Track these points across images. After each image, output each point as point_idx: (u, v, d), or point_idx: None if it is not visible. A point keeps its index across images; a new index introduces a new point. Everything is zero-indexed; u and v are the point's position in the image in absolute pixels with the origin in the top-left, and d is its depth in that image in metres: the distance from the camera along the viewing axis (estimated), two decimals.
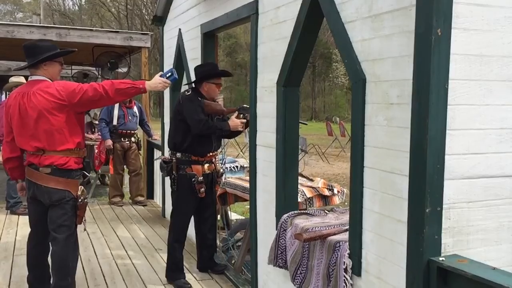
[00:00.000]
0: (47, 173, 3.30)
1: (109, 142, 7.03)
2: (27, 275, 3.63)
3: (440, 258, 2.01)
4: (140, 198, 7.35)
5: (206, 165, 4.10)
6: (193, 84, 4.20)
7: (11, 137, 3.43)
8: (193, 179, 4.00)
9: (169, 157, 4.14)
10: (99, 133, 7.70)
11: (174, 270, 4.16)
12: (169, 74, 3.51)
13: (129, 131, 7.17)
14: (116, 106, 6.95)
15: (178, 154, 4.04)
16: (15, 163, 3.52)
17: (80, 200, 3.41)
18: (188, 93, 4.07)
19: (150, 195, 7.65)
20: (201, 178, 4.04)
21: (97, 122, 8.19)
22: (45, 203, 3.36)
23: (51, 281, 3.47)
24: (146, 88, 3.39)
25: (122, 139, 7.14)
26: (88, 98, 3.27)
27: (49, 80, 3.37)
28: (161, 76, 3.52)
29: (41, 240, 3.50)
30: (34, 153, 3.32)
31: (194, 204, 4.14)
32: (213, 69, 4.14)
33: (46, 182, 3.31)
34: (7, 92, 8.85)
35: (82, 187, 3.48)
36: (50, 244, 3.45)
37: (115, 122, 7.06)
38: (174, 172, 4.04)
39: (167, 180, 4.48)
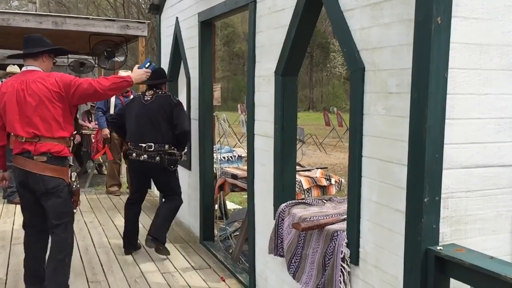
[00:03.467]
0: (42, 161, 3.33)
1: (106, 131, 7.01)
2: (23, 259, 3.62)
3: (438, 247, 2.02)
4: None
5: None
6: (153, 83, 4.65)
7: (0, 124, 3.48)
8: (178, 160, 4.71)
9: (174, 151, 4.58)
10: (96, 122, 7.67)
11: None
12: (148, 64, 3.96)
13: None
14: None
15: (166, 146, 4.55)
16: (1, 151, 3.57)
17: (74, 186, 3.51)
18: (177, 98, 4.76)
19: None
20: None
21: (93, 111, 8.16)
22: (39, 191, 3.38)
23: (47, 263, 3.51)
24: (133, 81, 3.70)
25: None
26: (82, 90, 3.39)
27: (43, 71, 3.47)
28: (139, 68, 3.89)
29: (39, 228, 3.53)
30: (28, 140, 3.33)
31: None
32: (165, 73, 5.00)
33: (42, 171, 3.33)
34: (2, 80, 8.80)
35: (75, 174, 3.59)
36: (50, 231, 3.47)
37: (112, 111, 7.03)
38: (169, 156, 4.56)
39: None
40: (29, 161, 3.34)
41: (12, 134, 3.51)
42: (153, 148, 4.50)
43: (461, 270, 1.91)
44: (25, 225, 3.61)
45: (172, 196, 4.70)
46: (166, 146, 4.52)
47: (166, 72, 5.36)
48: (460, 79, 2.04)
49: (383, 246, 2.33)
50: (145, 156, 4.51)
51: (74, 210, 3.57)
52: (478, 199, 2.15)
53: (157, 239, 4.47)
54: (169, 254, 4.53)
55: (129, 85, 3.72)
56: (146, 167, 4.57)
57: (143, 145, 4.52)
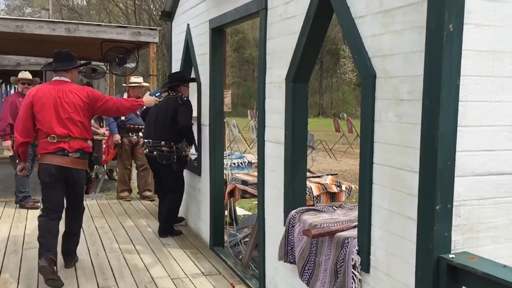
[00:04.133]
0: (76, 157, 4.11)
1: (117, 137, 7.06)
2: (40, 237, 4.06)
3: (450, 256, 2.00)
4: (148, 193, 7.37)
5: None
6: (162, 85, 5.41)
7: (30, 123, 4.10)
8: (188, 159, 5.42)
9: (168, 148, 5.17)
10: (107, 128, 7.73)
11: (172, 225, 5.40)
12: (158, 94, 5.24)
13: (137, 126, 7.19)
14: None
15: (162, 142, 5.17)
16: (26, 146, 4.23)
17: (92, 176, 4.59)
18: (185, 99, 5.23)
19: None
20: None
21: (105, 117, 8.21)
22: (69, 182, 4.15)
23: (68, 235, 4.37)
24: (144, 105, 4.80)
25: (130, 134, 7.17)
26: (107, 106, 4.30)
27: (71, 82, 4.28)
28: (150, 94, 5.02)
29: (59, 214, 4.19)
30: (61, 140, 4.05)
31: None
32: (185, 75, 5.53)
33: (76, 165, 4.13)
34: (15, 87, 8.91)
35: (96, 166, 4.77)
36: (70, 209, 4.32)
37: (123, 117, 7.09)
38: (175, 156, 5.16)
39: None
40: (65, 158, 4.07)
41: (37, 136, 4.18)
42: (151, 144, 5.24)
43: (473, 279, 1.89)
44: (46, 210, 4.16)
45: (170, 192, 5.37)
46: (162, 143, 5.17)
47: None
48: (473, 86, 2.04)
49: (395, 254, 2.32)
50: (147, 150, 5.32)
51: (89, 195, 4.82)
52: (490, 207, 2.13)
53: (163, 231, 5.34)
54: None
55: (141, 107, 4.86)
56: (151, 160, 5.35)
57: (146, 140, 5.35)
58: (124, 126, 7.13)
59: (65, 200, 4.26)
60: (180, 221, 5.81)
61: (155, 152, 5.18)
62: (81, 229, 4.54)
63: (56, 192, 4.11)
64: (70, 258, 4.42)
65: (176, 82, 5.32)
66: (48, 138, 4.02)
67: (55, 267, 4.00)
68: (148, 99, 4.82)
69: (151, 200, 7.26)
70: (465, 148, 2.05)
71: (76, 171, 4.13)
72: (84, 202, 4.55)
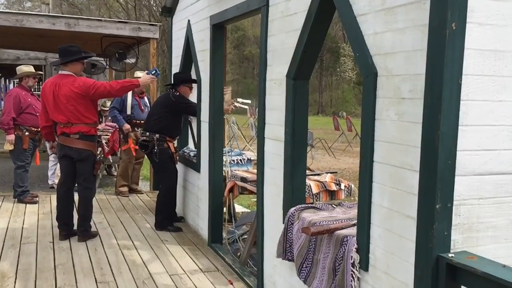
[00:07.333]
0: (76, 138, 4.80)
1: (127, 125, 7.02)
2: (57, 212, 5.07)
3: (450, 255, 2.00)
4: (135, 186, 7.55)
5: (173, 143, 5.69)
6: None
7: (46, 111, 4.92)
8: (169, 151, 5.53)
9: (147, 138, 5.45)
10: (107, 123, 7.72)
11: (166, 218, 5.49)
12: (154, 71, 5.24)
13: (142, 121, 7.17)
14: (129, 95, 6.97)
15: (157, 135, 5.39)
16: (49, 129, 5.09)
17: (98, 158, 5.06)
18: (178, 94, 5.51)
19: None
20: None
21: (105, 109, 8.19)
22: (75, 159, 4.88)
23: (78, 213, 5.05)
24: (140, 83, 5.04)
25: (135, 128, 7.15)
26: (99, 92, 4.81)
27: (74, 75, 4.82)
28: (147, 73, 5.22)
29: (70, 185, 5.04)
30: (65, 125, 4.80)
31: (175, 167, 5.63)
32: (188, 76, 5.61)
33: (77, 144, 4.82)
34: (15, 82, 8.88)
35: (100, 148, 5.23)
36: (78, 188, 5.01)
37: (128, 111, 7.07)
38: (155, 147, 5.38)
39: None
40: (68, 139, 4.83)
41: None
42: (142, 134, 5.65)
43: (472, 278, 1.89)
44: (60, 183, 5.10)
45: (160, 185, 5.68)
46: (147, 133, 5.46)
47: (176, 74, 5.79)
48: (474, 85, 2.03)
49: (394, 252, 2.31)
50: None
51: (95, 174, 5.22)
52: (490, 207, 2.13)
53: (156, 224, 5.53)
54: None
55: (135, 87, 5.16)
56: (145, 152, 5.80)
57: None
58: (130, 121, 7.12)
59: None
60: (179, 220, 5.81)
61: (140, 141, 5.59)
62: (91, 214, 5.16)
63: (64, 165, 5.00)
64: (81, 234, 5.00)
65: (175, 81, 5.59)
66: (58, 123, 4.83)
67: (67, 235, 4.96)
68: (145, 78, 5.14)
69: (139, 192, 7.44)
70: (466, 148, 2.05)
71: (77, 149, 4.81)
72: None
